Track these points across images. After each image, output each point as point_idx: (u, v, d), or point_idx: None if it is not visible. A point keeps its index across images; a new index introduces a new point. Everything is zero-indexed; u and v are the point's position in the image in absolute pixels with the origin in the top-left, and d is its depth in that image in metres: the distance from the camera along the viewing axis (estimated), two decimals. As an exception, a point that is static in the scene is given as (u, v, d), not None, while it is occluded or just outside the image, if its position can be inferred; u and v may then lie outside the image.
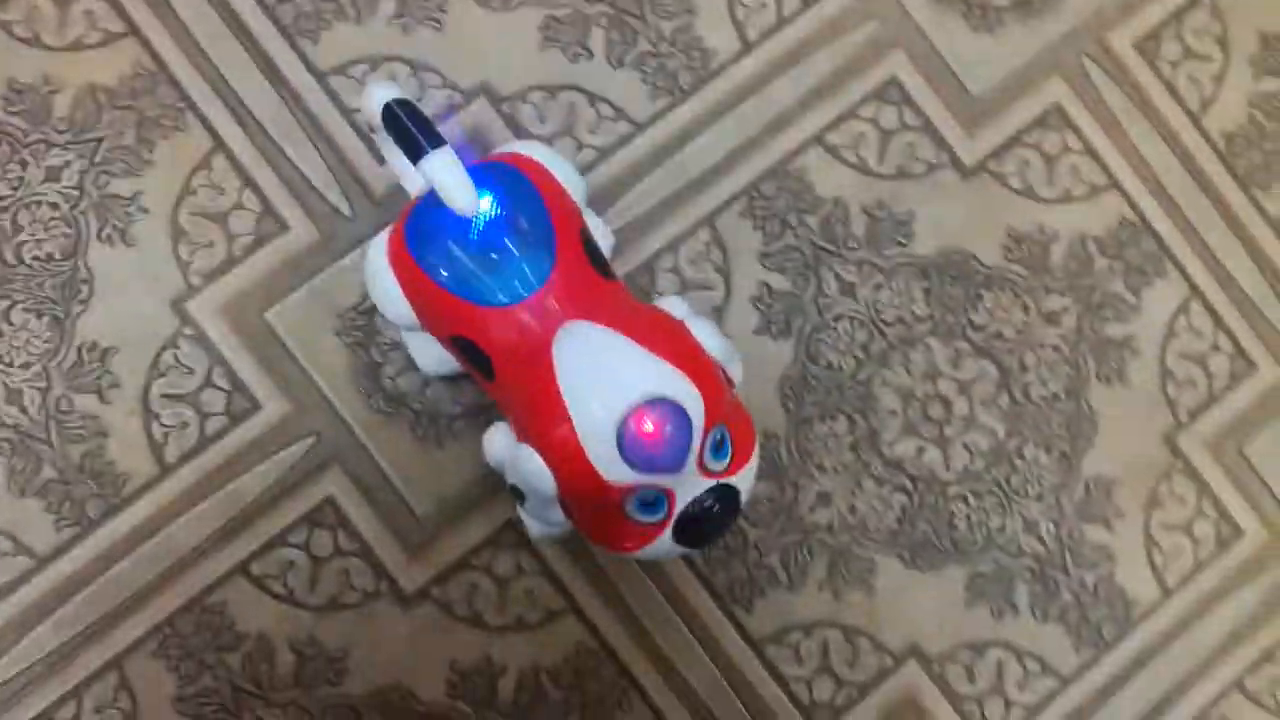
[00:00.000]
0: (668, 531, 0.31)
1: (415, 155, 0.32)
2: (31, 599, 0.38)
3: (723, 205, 0.42)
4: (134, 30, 0.40)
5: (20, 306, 0.38)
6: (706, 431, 0.31)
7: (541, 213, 0.33)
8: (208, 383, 0.39)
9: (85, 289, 0.39)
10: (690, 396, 0.30)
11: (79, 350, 0.39)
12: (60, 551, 0.39)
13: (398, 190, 0.40)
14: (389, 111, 0.32)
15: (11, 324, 0.38)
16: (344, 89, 0.41)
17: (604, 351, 0.31)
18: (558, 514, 0.33)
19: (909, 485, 0.42)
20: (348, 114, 0.41)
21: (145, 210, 0.40)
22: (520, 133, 0.41)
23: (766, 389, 0.42)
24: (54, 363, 0.39)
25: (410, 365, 0.40)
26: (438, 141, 0.31)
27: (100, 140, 0.39)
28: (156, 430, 0.39)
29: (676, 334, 0.33)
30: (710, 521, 0.31)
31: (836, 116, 0.43)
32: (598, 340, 0.31)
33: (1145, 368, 0.43)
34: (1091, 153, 0.43)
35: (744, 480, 0.33)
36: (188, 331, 0.39)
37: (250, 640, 0.39)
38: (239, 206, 0.40)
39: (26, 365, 0.39)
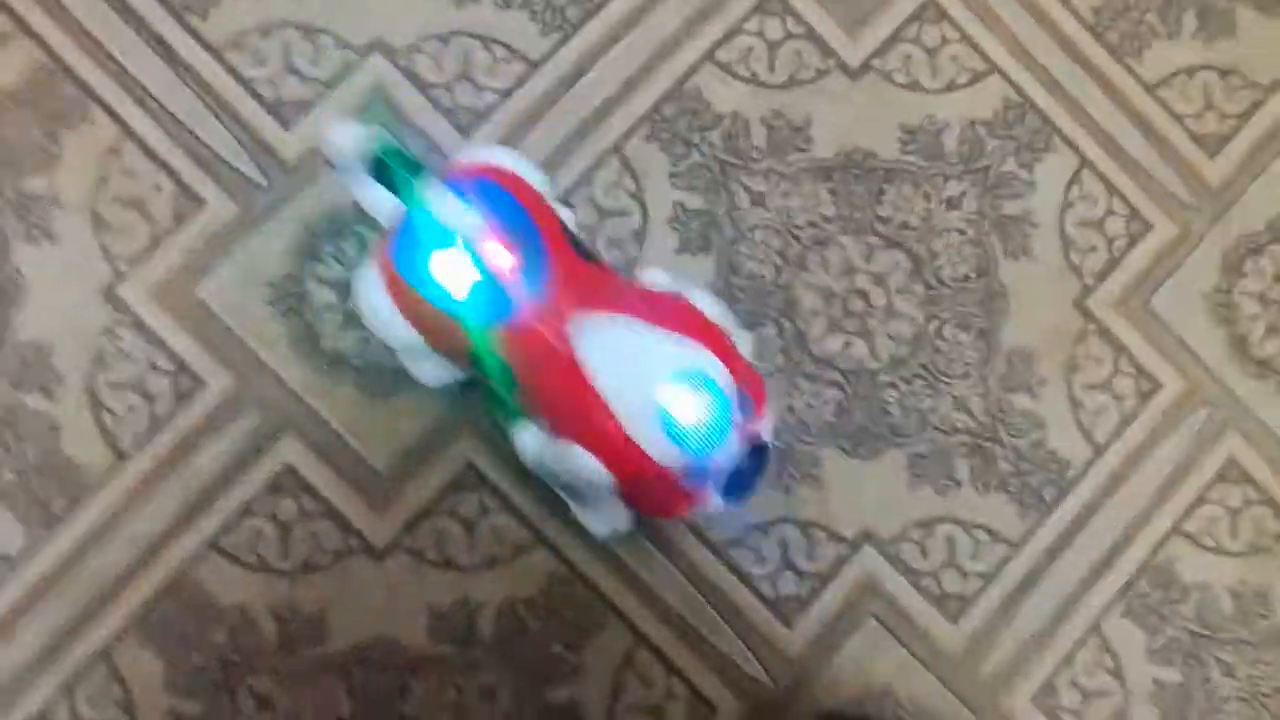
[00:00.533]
0: (716, 491, 0.53)
1: (409, 198, 0.52)
2: (10, 603, 0.62)
3: (627, 133, 0.69)
4: (28, 31, 0.64)
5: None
6: (734, 393, 0.49)
7: (524, 218, 0.52)
8: (151, 367, 0.64)
9: (16, 290, 0.63)
10: (714, 367, 0.49)
11: (20, 351, 0.63)
12: (31, 552, 0.62)
13: (312, 154, 0.65)
14: (379, 163, 0.52)
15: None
16: (241, 62, 0.66)
17: (628, 341, 0.49)
18: (617, 503, 0.55)
19: (841, 379, 0.69)
20: (247, 85, 0.66)
21: (62, 205, 0.64)
22: (418, 82, 0.67)
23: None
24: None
25: (348, 324, 0.65)
26: (423, 172, 0.51)
27: (4, 140, 0.62)
28: (107, 420, 0.63)
29: (680, 307, 0.53)
30: (752, 474, 0.54)
31: (724, 33, 0.70)
32: (619, 331, 0.49)
33: (1047, 240, 0.72)
34: (969, 40, 0.72)
35: (767, 427, 0.56)
36: (123, 319, 0.64)
37: (232, 613, 0.63)
38: (155, 188, 0.65)
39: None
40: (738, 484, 0.54)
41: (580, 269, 0.53)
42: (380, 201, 0.56)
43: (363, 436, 0.64)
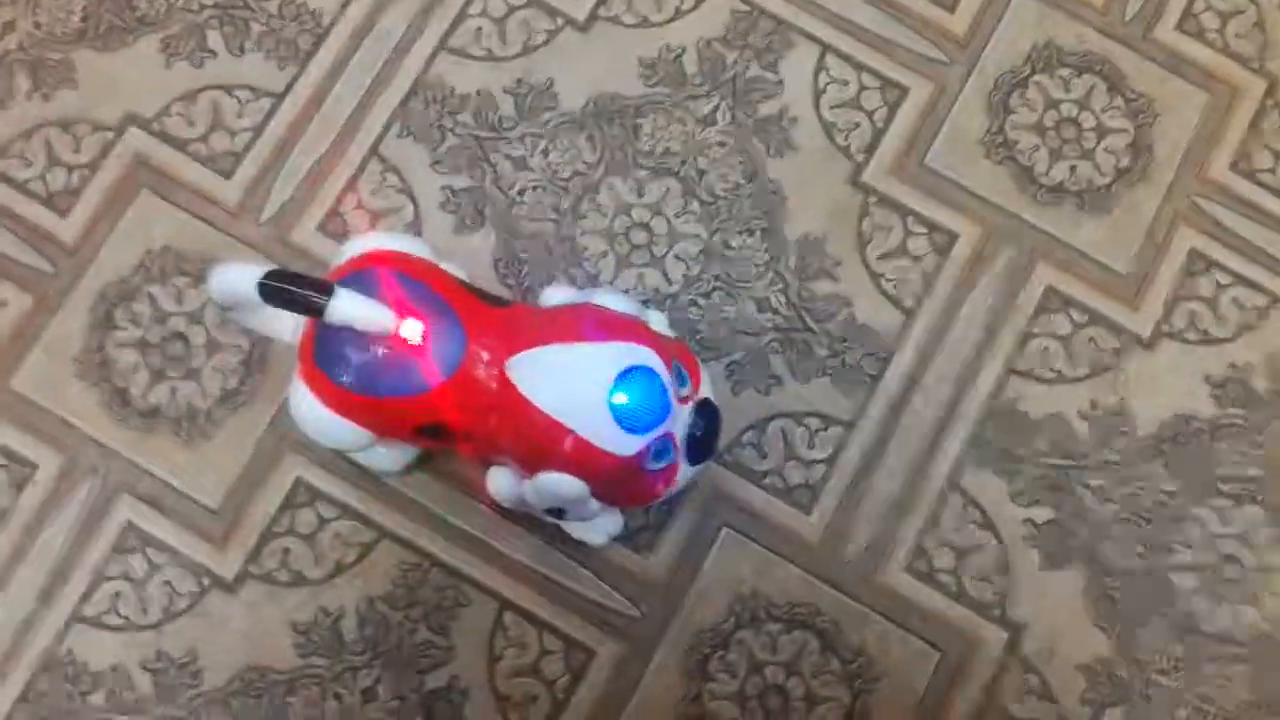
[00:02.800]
0: (682, 461, 0.55)
1: (314, 311, 0.51)
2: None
3: (381, 133, 0.69)
4: None
5: None
6: (668, 371, 0.54)
7: (425, 290, 0.55)
8: (-20, 465, 0.64)
9: None
10: (642, 354, 0.53)
11: None
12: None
13: (89, 235, 0.66)
14: (267, 289, 0.51)
15: None
16: (10, 166, 0.67)
17: (556, 364, 0.52)
18: (596, 505, 0.57)
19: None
20: (20, 187, 0.67)
21: None
22: (174, 142, 0.68)
23: (486, 276, 0.68)
24: None
25: (154, 380, 0.65)
26: (325, 288, 0.52)
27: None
28: (-51, 524, 0.64)
29: (589, 314, 0.56)
30: (709, 434, 0.56)
31: (451, 22, 0.71)
32: (544, 359, 0.52)
33: (808, 129, 0.71)
34: None
35: (709, 388, 0.57)
36: (-54, 428, 0.65)
37: (106, 676, 0.63)
38: (-49, 304, 0.66)
39: None
40: (698, 448, 0.56)
41: (494, 316, 0.55)
42: (280, 325, 0.57)
43: (191, 480, 0.65)
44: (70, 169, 0.67)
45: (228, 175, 0.68)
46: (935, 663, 0.65)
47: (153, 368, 0.65)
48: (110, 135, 0.68)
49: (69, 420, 0.65)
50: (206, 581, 0.64)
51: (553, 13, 0.71)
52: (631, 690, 0.64)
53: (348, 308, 0.51)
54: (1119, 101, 0.72)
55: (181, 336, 0.66)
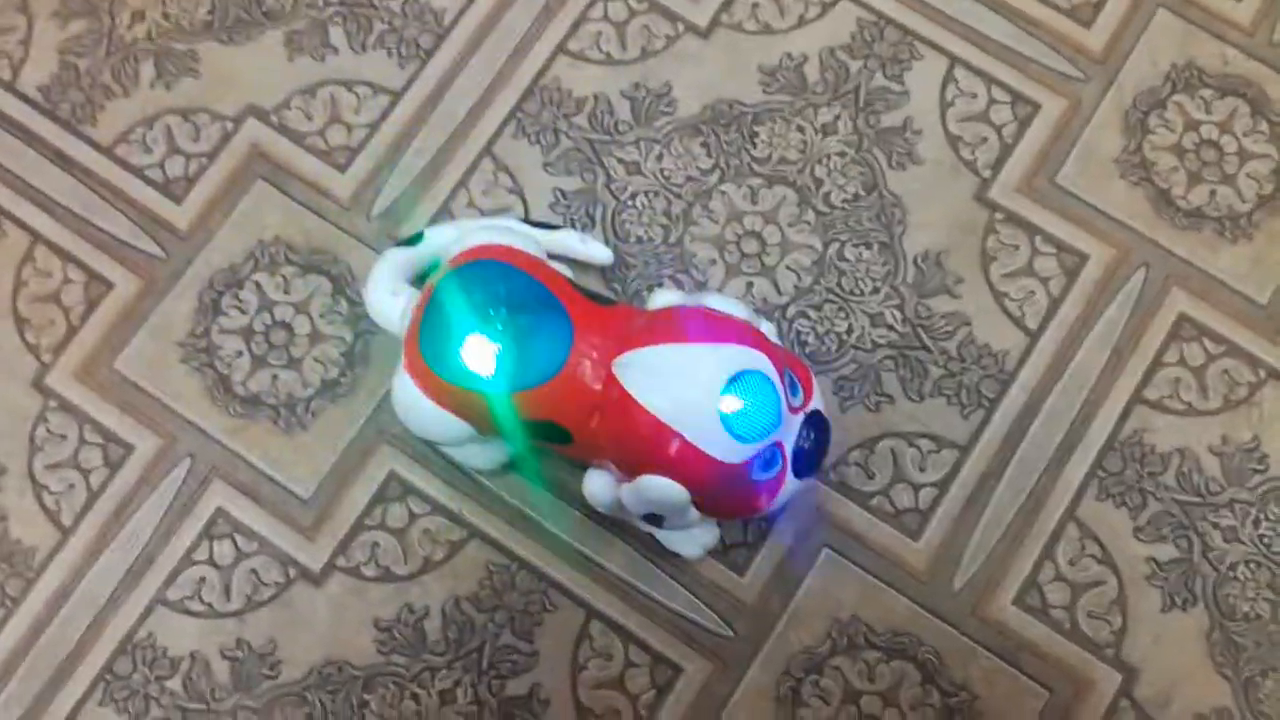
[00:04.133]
0: (789, 473, 0.53)
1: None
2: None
3: (495, 134, 0.67)
4: None
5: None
6: (780, 379, 0.52)
7: (534, 284, 0.54)
8: (82, 442, 0.63)
9: None
10: (755, 359, 0.50)
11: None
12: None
13: (201, 221, 0.65)
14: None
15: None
16: (130, 153, 0.67)
17: (666, 365, 0.50)
18: (701, 520, 0.55)
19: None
20: (139, 172, 0.67)
21: (-14, 313, 0.65)
22: (291, 135, 0.67)
23: (593, 281, 0.65)
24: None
25: (256, 367, 0.64)
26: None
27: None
28: (48, 500, 0.63)
29: (701, 316, 0.53)
30: (819, 447, 0.53)
31: (571, 25, 0.69)
32: (653, 360, 0.50)
33: (933, 142, 0.67)
34: None
35: (820, 401, 0.55)
36: (52, 404, 0.64)
37: (185, 662, 0.61)
38: (67, 281, 0.65)
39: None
40: (806, 461, 0.53)
41: (602, 315, 0.53)
42: (393, 315, 0.58)
43: (285, 469, 0.63)
44: (189, 157, 0.67)
45: (342, 169, 0.67)
46: (1043, 702, 0.59)
47: (256, 355, 0.64)
48: (229, 125, 0.68)
49: (169, 404, 0.64)
50: (293, 572, 0.62)
51: (674, 18, 0.69)
52: (718, 710, 0.59)
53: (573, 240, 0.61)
54: (1263, 126, 0.67)
55: (286, 326, 0.64)
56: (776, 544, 0.62)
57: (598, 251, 0.63)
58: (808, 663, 0.60)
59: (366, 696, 0.60)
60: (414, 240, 0.61)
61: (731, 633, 0.61)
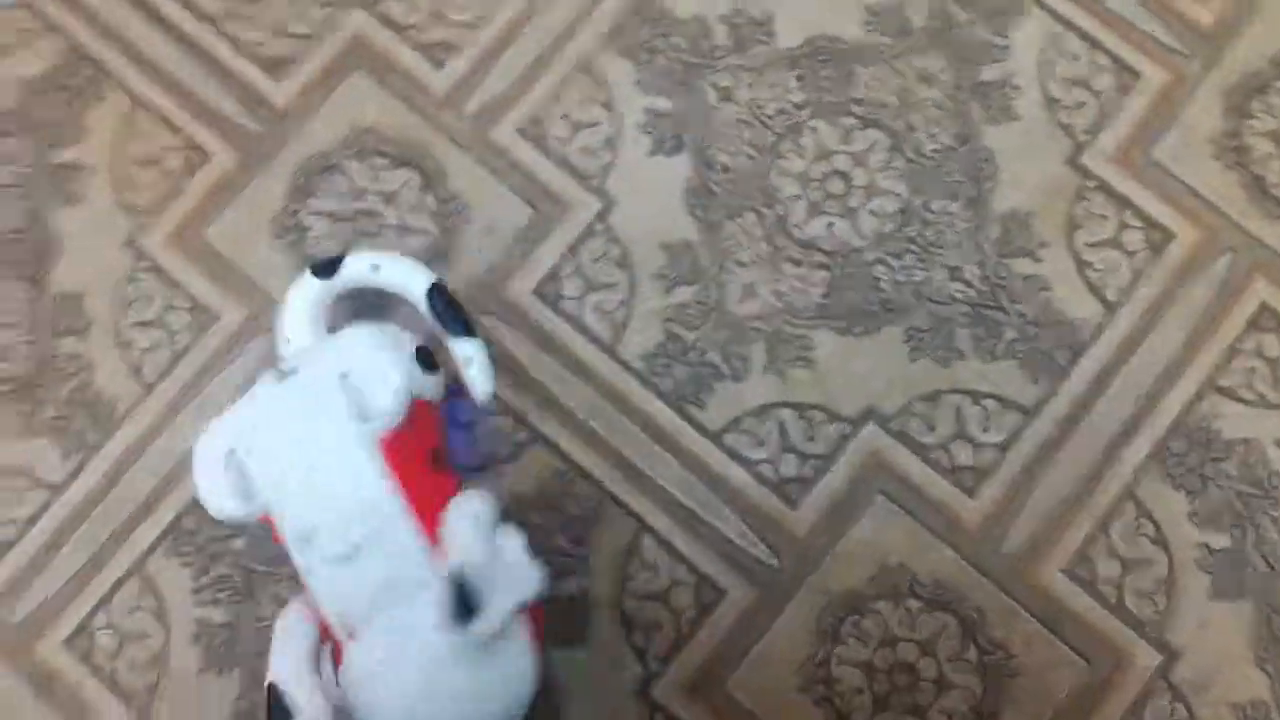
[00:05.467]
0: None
1: (459, 331, 0.55)
2: (54, 525, 0.62)
3: (593, 49, 0.67)
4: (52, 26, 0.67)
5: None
6: None
7: None
8: (169, 305, 0.64)
9: (54, 248, 0.65)
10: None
11: (55, 300, 0.64)
12: (71, 478, 0.63)
13: (300, 102, 0.65)
14: (436, 293, 0.54)
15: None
16: (242, 29, 0.67)
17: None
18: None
19: (827, 260, 0.64)
20: (245, 49, 0.66)
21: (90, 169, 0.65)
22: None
23: (673, 204, 0.65)
24: (35, 316, 0.64)
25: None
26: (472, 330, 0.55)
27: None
28: (133, 356, 0.64)
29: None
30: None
31: (683, -52, 0.68)
32: None
33: (1031, 101, 0.66)
34: None
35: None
36: (144, 264, 0.65)
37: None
38: (170, 149, 0.66)
39: (11, 325, 0.64)
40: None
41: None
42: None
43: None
44: (294, 38, 0.67)
45: (439, 66, 0.66)
46: (1080, 673, 0.59)
47: (344, 241, 0.64)
48: (332, 10, 0.67)
49: (252, 275, 0.64)
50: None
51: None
52: (758, 637, 0.60)
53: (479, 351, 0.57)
54: (1372, 122, 0.65)
55: (372, 214, 0.64)
56: (831, 483, 0.61)
57: (479, 384, 0.58)
58: (851, 602, 0.60)
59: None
60: (330, 267, 0.57)
61: (778, 563, 0.61)
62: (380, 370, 0.49)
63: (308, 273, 0.56)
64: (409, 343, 0.52)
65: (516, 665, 0.48)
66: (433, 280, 0.56)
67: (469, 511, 0.49)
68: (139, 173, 0.65)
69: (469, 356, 0.56)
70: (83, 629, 0.60)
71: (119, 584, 0.61)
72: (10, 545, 0.61)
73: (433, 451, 0.52)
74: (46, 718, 0.59)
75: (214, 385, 0.63)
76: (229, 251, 0.65)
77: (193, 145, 0.66)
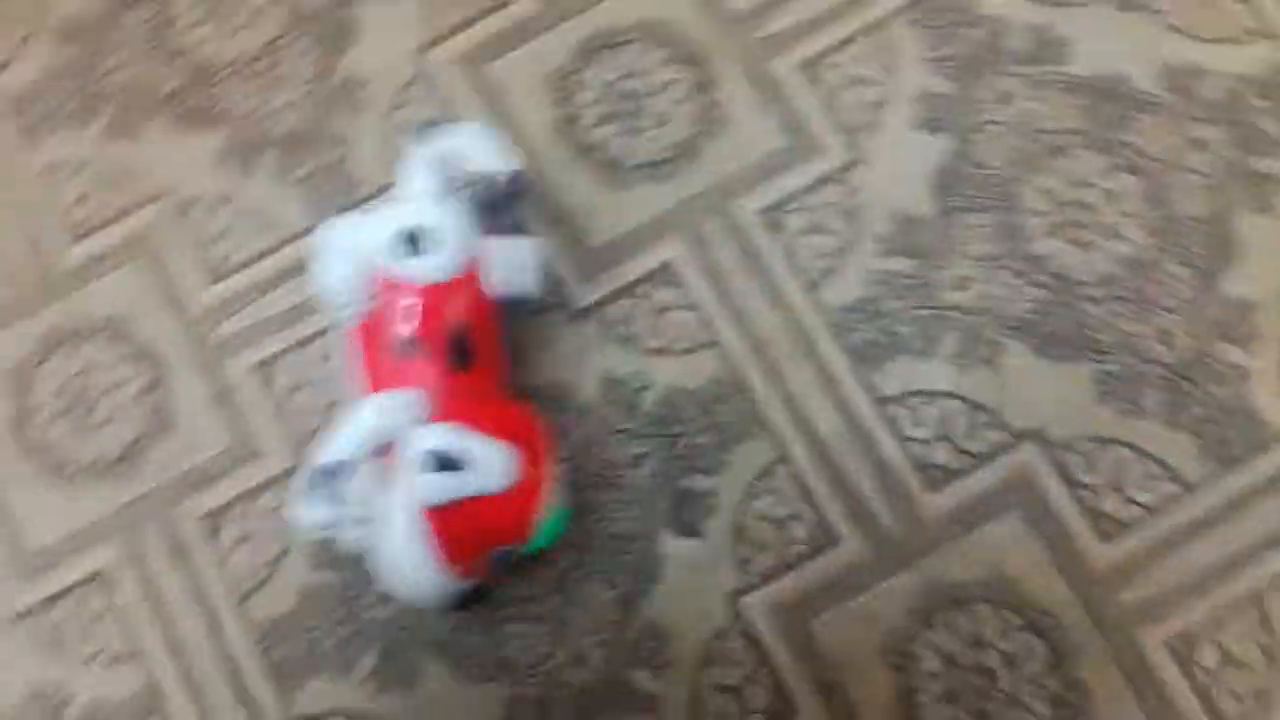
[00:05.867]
0: None
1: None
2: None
3: (894, 11, 0.69)
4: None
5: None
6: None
7: None
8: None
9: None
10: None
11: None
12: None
13: None
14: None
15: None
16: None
17: None
18: None
19: (1047, 281, 0.65)
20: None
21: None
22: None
23: (918, 180, 0.67)
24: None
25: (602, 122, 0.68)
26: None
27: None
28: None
29: None
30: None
31: (1011, -48, 0.70)
32: None
33: (1296, 204, 0.66)
34: (1253, 2, 0.68)
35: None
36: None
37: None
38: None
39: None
40: None
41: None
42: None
43: (589, 215, 0.67)
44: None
45: (750, -11, 0.70)
46: (1149, 743, 0.59)
47: (605, 114, 0.67)
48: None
49: (520, 122, 0.68)
50: (556, 300, 0.66)
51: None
52: (855, 593, 0.61)
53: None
54: None
55: (637, 97, 0.68)
56: (973, 482, 0.62)
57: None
58: (954, 594, 0.61)
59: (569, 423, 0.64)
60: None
61: (899, 536, 0.62)
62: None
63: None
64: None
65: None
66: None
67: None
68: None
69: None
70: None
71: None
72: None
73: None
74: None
75: None
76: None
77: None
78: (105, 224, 0.69)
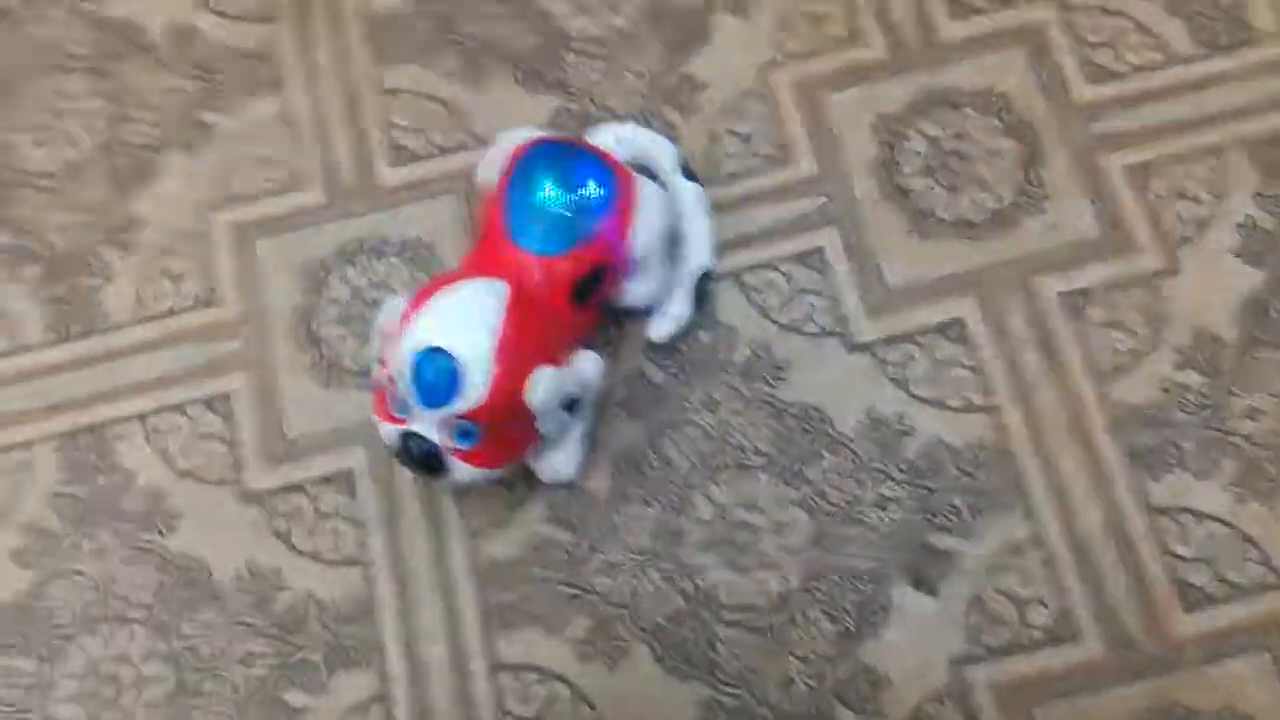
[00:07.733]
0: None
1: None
2: None
3: (1234, 143, 0.68)
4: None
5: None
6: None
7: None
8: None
9: None
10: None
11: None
12: None
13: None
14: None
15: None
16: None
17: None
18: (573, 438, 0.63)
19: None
20: None
21: None
22: None
23: (1226, 309, 0.65)
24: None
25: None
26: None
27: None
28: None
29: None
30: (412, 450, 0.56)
31: None
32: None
33: None
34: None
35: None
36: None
37: (722, 330, 0.67)
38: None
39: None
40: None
41: None
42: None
43: (890, 259, 0.68)
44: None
45: (1097, 80, 0.70)
46: None
47: (932, 167, 0.67)
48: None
49: (844, 152, 0.69)
50: (839, 328, 0.67)
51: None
52: (1084, 693, 0.60)
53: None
54: None
55: (961, 156, 0.68)
56: (1232, 614, 0.60)
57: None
58: (1185, 718, 0.58)
59: (827, 456, 0.63)
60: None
61: (1142, 646, 0.59)
62: None
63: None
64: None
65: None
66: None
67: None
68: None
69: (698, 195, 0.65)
70: None
71: None
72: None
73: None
74: None
75: (748, 215, 0.67)
76: (836, 121, 0.70)
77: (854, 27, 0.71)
78: (425, 157, 0.71)
